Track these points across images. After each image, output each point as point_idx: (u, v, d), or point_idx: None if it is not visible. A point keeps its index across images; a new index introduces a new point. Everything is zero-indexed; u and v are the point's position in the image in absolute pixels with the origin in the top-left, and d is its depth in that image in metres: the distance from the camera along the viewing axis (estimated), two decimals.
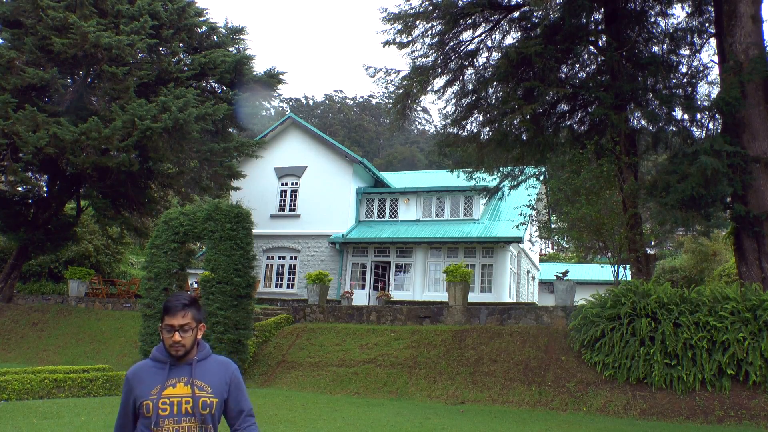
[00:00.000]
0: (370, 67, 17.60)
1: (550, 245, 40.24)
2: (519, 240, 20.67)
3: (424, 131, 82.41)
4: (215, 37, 21.92)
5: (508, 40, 16.28)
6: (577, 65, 16.44)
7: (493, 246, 21.35)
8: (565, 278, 13.98)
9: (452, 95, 16.66)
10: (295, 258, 23.86)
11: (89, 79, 19.49)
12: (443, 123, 17.61)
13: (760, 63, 11.99)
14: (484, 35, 16.10)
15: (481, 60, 16.43)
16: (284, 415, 8.96)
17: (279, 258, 24.21)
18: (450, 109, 16.90)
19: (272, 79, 22.30)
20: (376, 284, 22.95)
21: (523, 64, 14.65)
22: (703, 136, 13.65)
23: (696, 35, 15.07)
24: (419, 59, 16.19)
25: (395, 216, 23.99)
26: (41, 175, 21.33)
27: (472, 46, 16.21)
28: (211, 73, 20.60)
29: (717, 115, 13.31)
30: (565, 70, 16.26)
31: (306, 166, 24.63)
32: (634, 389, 10.48)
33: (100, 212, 19.85)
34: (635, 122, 15.39)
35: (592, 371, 11.13)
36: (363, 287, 22.79)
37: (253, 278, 13.66)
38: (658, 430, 9.00)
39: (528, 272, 26.02)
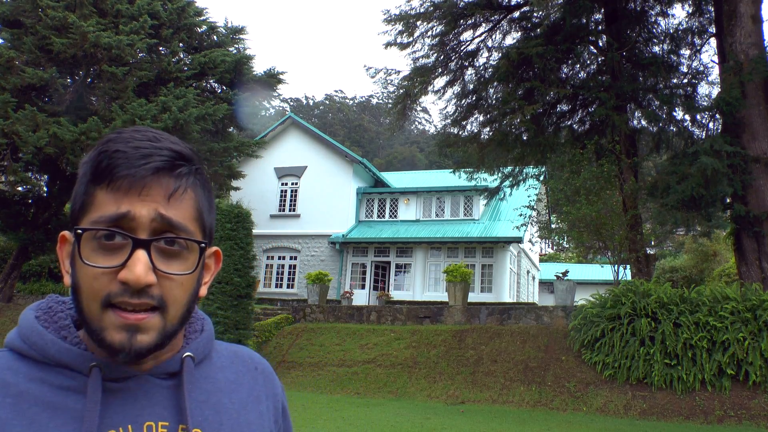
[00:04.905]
0: (370, 68, 17.70)
1: (550, 245, 40.22)
2: (519, 240, 20.66)
3: (424, 131, 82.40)
4: (215, 36, 21.92)
5: (509, 40, 16.32)
6: (578, 65, 16.45)
7: (493, 246, 21.34)
8: (565, 278, 13.98)
9: (452, 95, 16.70)
10: (295, 258, 23.85)
11: (89, 79, 19.48)
12: (443, 123, 17.65)
13: (760, 63, 11.99)
14: (484, 35, 16.12)
15: (482, 60, 16.47)
16: None
17: (279, 258, 24.20)
18: (450, 109, 16.95)
19: (272, 78, 22.30)
20: (376, 284, 22.94)
21: (523, 64, 14.66)
22: (704, 137, 13.66)
23: (696, 35, 15.09)
24: (420, 60, 16.23)
25: (395, 216, 23.98)
26: (41, 175, 21.32)
27: (472, 47, 16.24)
28: (211, 72, 20.59)
29: (717, 115, 13.32)
30: (565, 70, 16.27)
31: (306, 166, 24.62)
32: (634, 389, 10.48)
33: None
34: (636, 122, 15.40)
35: (592, 371, 11.13)
36: (363, 287, 22.77)
37: (253, 278, 13.66)
38: (658, 430, 9.00)
39: (528, 272, 26.02)
